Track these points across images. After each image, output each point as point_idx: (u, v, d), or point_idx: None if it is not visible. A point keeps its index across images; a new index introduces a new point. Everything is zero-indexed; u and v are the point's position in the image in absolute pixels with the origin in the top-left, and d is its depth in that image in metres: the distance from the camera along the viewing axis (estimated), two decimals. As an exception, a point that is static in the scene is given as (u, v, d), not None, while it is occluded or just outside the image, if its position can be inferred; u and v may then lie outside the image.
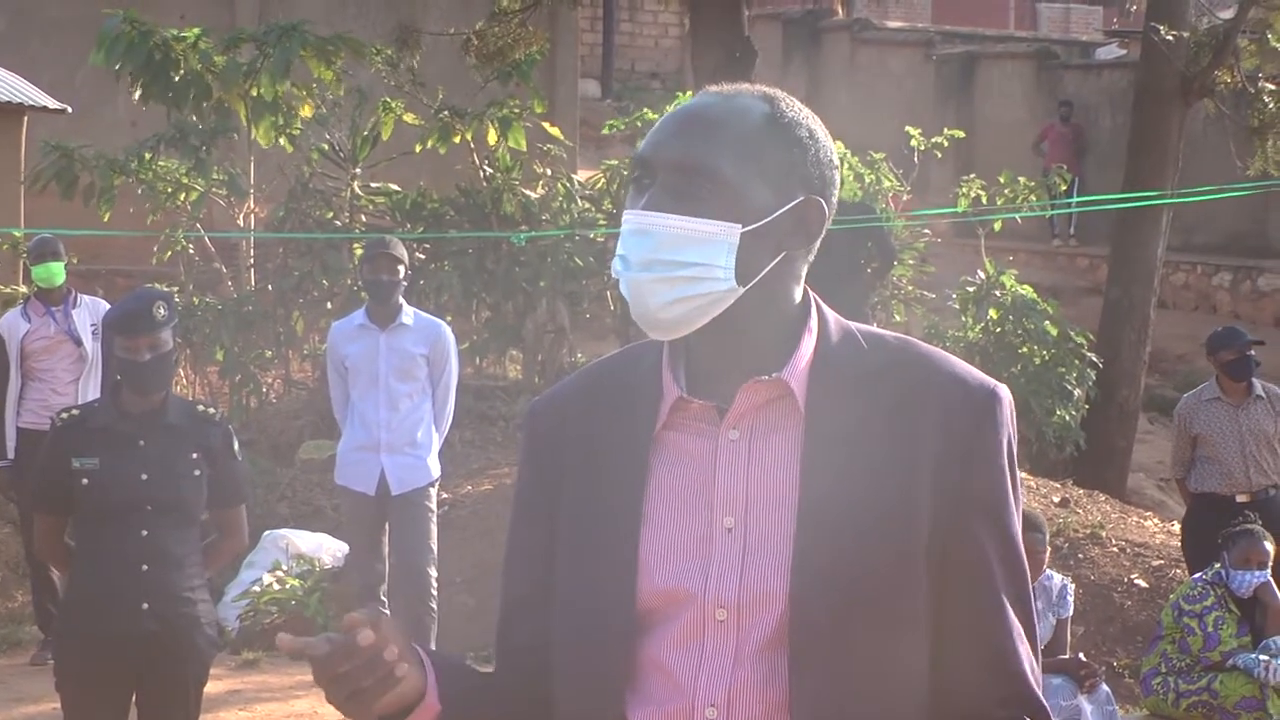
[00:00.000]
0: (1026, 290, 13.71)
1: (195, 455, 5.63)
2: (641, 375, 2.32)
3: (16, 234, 12.98)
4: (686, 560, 2.23)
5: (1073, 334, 13.64)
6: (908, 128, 15.88)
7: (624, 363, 2.38)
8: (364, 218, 13.54)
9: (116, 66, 12.59)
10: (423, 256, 13.28)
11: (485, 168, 13.65)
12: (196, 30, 12.95)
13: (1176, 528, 12.04)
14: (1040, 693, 2.29)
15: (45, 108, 14.46)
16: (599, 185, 14.05)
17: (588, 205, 13.77)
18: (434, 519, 8.52)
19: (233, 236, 13.78)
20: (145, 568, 5.55)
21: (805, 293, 2.33)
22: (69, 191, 12.66)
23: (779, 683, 2.19)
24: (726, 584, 2.21)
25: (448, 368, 8.46)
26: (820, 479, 2.21)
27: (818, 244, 2.32)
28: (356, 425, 8.38)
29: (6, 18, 17.99)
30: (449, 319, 10.36)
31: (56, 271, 9.60)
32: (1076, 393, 13.41)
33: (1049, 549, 8.09)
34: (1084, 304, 19.28)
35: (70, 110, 14.73)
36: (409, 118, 13.29)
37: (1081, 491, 12.83)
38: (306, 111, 12.95)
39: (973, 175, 15.73)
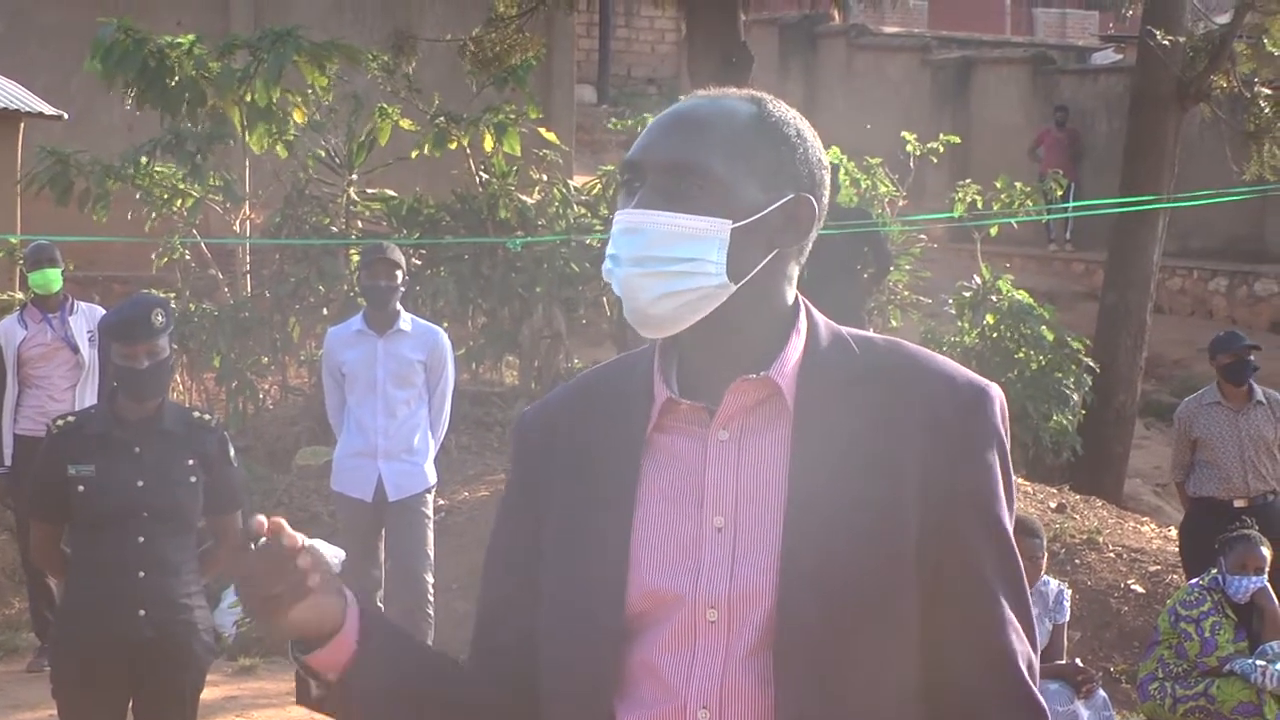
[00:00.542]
0: (1023, 295, 13.71)
1: (191, 462, 5.62)
2: (634, 381, 2.33)
3: (13, 240, 12.98)
4: (678, 560, 2.23)
5: (1069, 339, 13.64)
6: (904, 133, 15.89)
7: (617, 370, 2.40)
8: (360, 224, 13.54)
9: (106, 73, 12.56)
10: (419, 262, 13.27)
11: (481, 173, 13.64)
12: (191, 37, 12.95)
13: (1173, 533, 12.05)
14: (1038, 690, 2.29)
15: (41, 113, 14.46)
16: (595, 190, 14.05)
17: (584, 211, 13.77)
18: (430, 525, 8.52)
19: (229, 243, 13.77)
20: (142, 574, 5.55)
21: (796, 296, 2.33)
22: (64, 197, 12.66)
23: (771, 683, 2.18)
24: (717, 584, 2.21)
25: (445, 374, 8.46)
26: (809, 479, 2.21)
27: (809, 244, 2.33)
28: (353, 431, 8.38)
29: (3, 23, 17.99)
30: (445, 325, 10.36)
31: (53, 278, 9.59)
32: (1073, 398, 13.41)
33: (1046, 554, 8.09)
34: (1080, 309, 19.28)
35: (66, 116, 14.73)
36: (405, 123, 13.29)
37: (1078, 497, 12.83)
38: (300, 117, 12.94)
39: (969, 180, 15.74)
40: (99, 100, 15.31)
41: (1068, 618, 8.06)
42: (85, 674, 5.61)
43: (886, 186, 15.08)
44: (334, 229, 13.31)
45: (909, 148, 15.51)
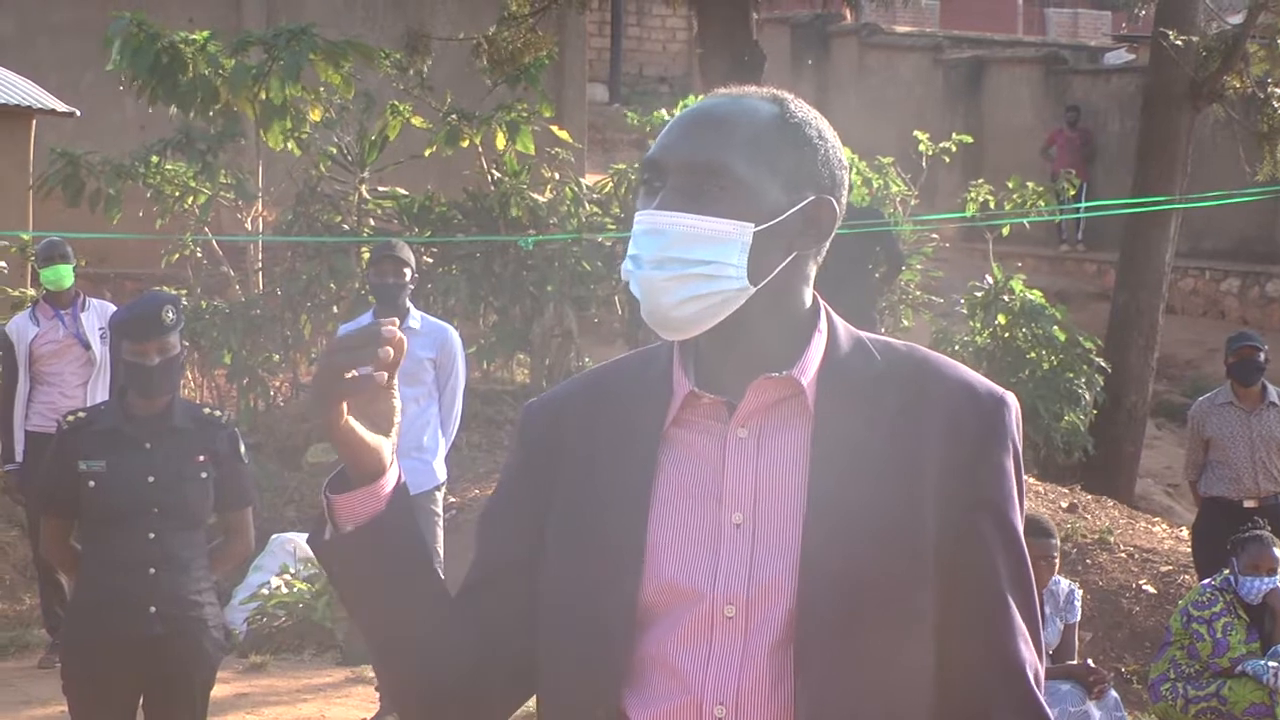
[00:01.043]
0: (1035, 295, 13.70)
1: (202, 458, 5.62)
2: (651, 374, 2.33)
3: (25, 237, 12.99)
4: (695, 555, 2.23)
5: (1081, 339, 13.62)
6: (916, 132, 15.89)
7: (634, 363, 2.39)
8: (372, 221, 13.54)
9: (120, 66, 12.58)
10: (430, 260, 13.28)
11: (493, 172, 13.65)
12: (205, 34, 12.96)
13: (1184, 533, 12.03)
14: (1042, 697, 2.29)
15: (53, 111, 14.46)
16: (607, 189, 14.04)
17: (595, 209, 13.77)
18: (440, 523, 8.52)
19: (240, 240, 13.79)
20: (152, 571, 5.54)
21: (814, 297, 2.33)
22: (75, 199, 12.68)
23: (788, 681, 2.18)
24: (735, 580, 2.21)
25: (455, 371, 8.45)
26: (828, 478, 2.21)
27: (827, 246, 2.32)
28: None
29: (14, 21, 18.00)
30: (456, 323, 10.36)
31: (65, 274, 9.60)
32: (1085, 398, 13.40)
33: (1059, 555, 8.08)
34: (1092, 309, 19.26)
35: (78, 114, 14.74)
36: (417, 121, 13.29)
37: (1090, 497, 12.81)
38: (315, 115, 12.95)
39: (981, 180, 15.74)
40: (111, 98, 15.33)
41: (1079, 617, 8.06)
42: (96, 670, 5.61)
43: (898, 186, 15.08)
44: (345, 227, 13.32)
45: (921, 147, 15.51)
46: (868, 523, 2.19)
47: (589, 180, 14.87)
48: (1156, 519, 13.36)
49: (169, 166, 12.83)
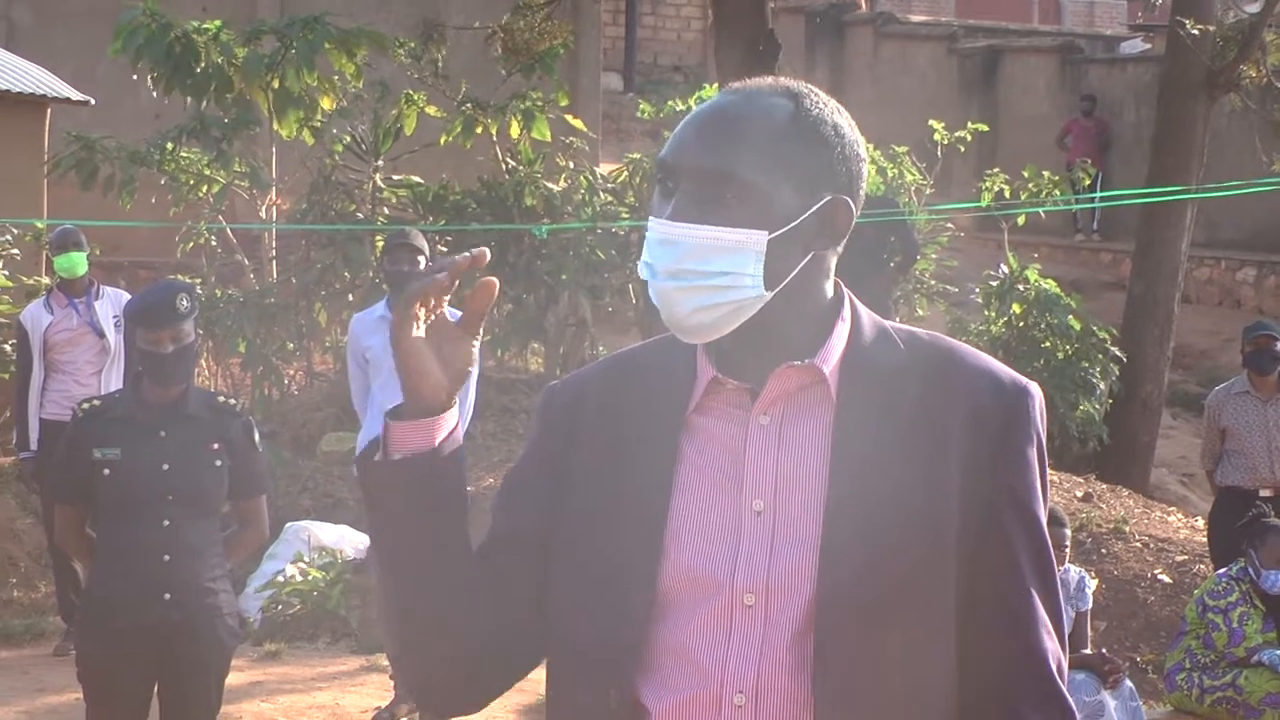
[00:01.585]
0: (1050, 285, 13.68)
1: (216, 446, 5.62)
2: (675, 359, 2.31)
3: (39, 225, 13.01)
4: (715, 542, 2.22)
5: (1096, 329, 13.60)
6: (931, 121, 15.87)
7: (656, 349, 2.37)
8: (386, 210, 13.54)
9: (134, 58, 12.58)
10: (445, 249, 13.26)
11: (507, 160, 13.64)
12: (218, 23, 12.96)
13: (1200, 523, 12.02)
14: (1065, 688, 2.28)
15: (68, 99, 14.47)
16: (621, 178, 14.03)
17: (610, 198, 13.76)
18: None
19: (255, 229, 13.79)
20: (166, 558, 5.55)
21: (837, 285, 2.31)
22: (88, 183, 12.68)
23: (808, 670, 2.17)
24: (756, 568, 2.19)
25: (469, 359, 8.44)
26: (850, 467, 2.20)
27: (845, 240, 2.30)
28: (377, 417, 8.35)
29: (30, 10, 18.02)
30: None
31: (79, 262, 9.60)
32: (1100, 387, 13.38)
33: (1070, 544, 8.07)
34: (1107, 299, 19.23)
35: (93, 102, 14.75)
36: (431, 110, 13.29)
37: (1105, 486, 12.80)
38: (328, 104, 12.95)
39: (996, 169, 15.71)
40: (126, 86, 15.33)
41: (1090, 605, 8.05)
42: (111, 658, 5.62)
43: (913, 175, 15.06)
44: (360, 215, 13.32)
45: (936, 136, 15.48)
46: (889, 511, 2.18)
47: (603, 169, 14.87)
48: (1172, 508, 13.34)
49: (184, 154, 12.83)
